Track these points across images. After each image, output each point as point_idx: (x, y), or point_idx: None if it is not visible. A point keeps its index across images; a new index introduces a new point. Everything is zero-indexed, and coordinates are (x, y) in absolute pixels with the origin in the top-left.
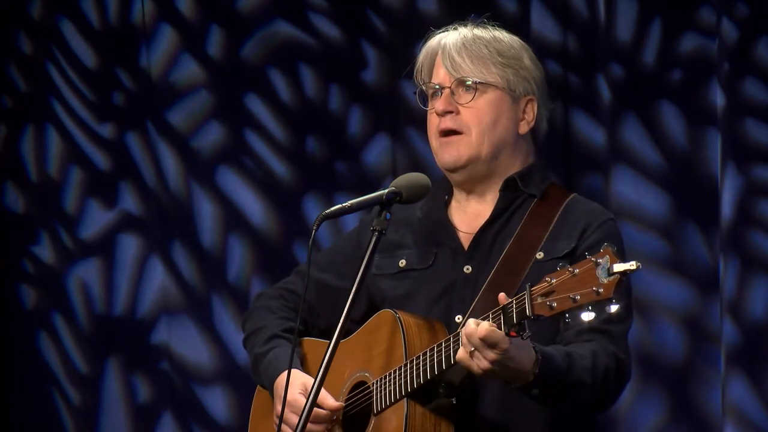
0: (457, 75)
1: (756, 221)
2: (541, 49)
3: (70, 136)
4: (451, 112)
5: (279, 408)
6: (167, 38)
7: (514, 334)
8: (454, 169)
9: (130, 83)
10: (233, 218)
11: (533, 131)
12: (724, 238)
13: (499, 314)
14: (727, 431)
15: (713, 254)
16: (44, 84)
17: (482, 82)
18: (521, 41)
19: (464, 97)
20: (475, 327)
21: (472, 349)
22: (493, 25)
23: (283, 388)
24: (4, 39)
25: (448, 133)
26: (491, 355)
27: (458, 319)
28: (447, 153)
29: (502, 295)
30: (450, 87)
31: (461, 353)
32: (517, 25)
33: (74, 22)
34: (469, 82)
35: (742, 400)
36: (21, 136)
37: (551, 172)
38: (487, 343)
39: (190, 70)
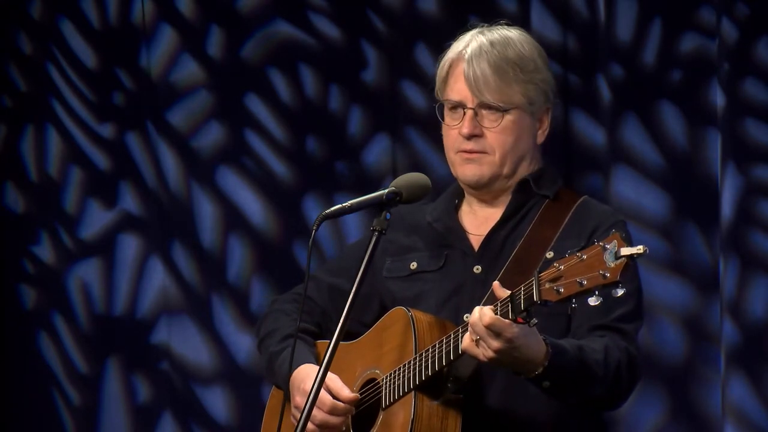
0: (482, 98)
1: (756, 221)
2: None
3: (70, 136)
4: (475, 136)
5: (297, 399)
6: (167, 38)
7: (521, 320)
8: (476, 187)
9: (130, 83)
10: (233, 218)
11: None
12: (724, 238)
13: (507, 301)
14: (727, 431)
15: (713, 254)
16: (44, 84)
17: (507, 108)
18: (532, 41)
19: (488, 119)
20: (479, 315)
21: (478, 338)
22: (502, 24)
23: (300, 381)
24: (4, 39)
25: (470, 151)
26: (496, 344)
27: (467, 317)
28: (470, 171)
29: (496, 284)
30: (474, 108)
31: (466, 342)
32: (517, 25)
33: (74, 22)
34: (494, 105)
35: (742, 400)
36: (21, 136)
37: None
38: (492, 330)
39: (190, 70)
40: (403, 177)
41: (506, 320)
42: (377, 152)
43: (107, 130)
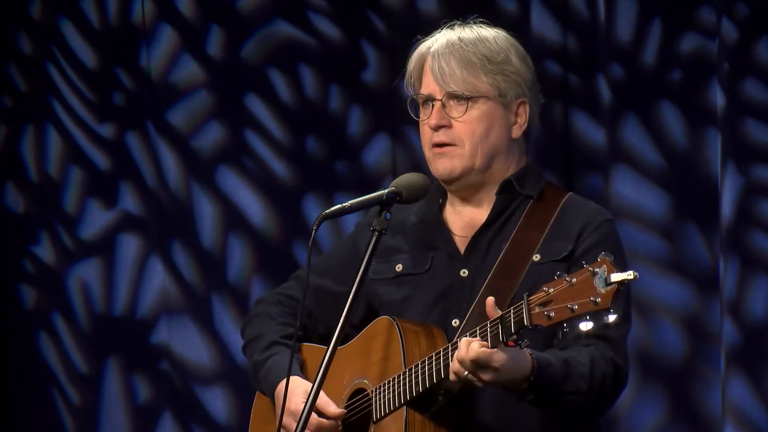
0: (447, 88)
1: (756, 221)
2: (541, 49)
3: (70, 136)
4: (443, 126)
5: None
6: (167, 38)
7: (512, 343)
8: (448, 181)
9: (130, 83)
10: (233, 218)
11: (527, 129)
12: (724, 238)
13: (497, 324)
14: (727, 431)
15: (713, 254)
16: (44, 84)
17: (473, 96)
18: (508, 37)
19: (456, 109)
20: (466, 350)
21: (466, 373)
22: (478, 23)
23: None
24: (4, 39)
25: (441, 144)
26: (485, 375)
27: (455, 323)
28: (441, 165)
29: (490, 300)
30: (441, 100)
31: (455, 369)
32: (517, 25)
33: (74, 22)
34: (460, 95)
35: (742, 400)
36: (21, 136)
37: (549, 172)
38: (479, 364)
39: (190, 70)
40: (403, 177)
41: (491, 350)
42: (377, 152)
43: (107, 130)
